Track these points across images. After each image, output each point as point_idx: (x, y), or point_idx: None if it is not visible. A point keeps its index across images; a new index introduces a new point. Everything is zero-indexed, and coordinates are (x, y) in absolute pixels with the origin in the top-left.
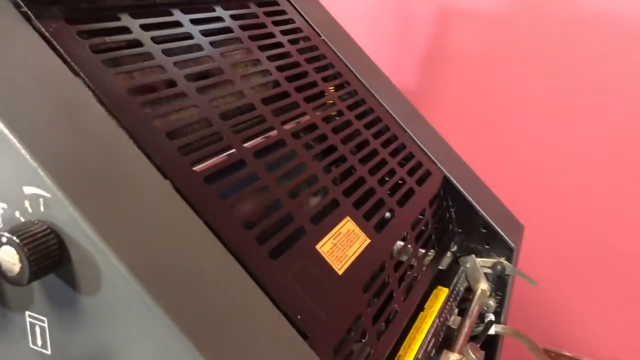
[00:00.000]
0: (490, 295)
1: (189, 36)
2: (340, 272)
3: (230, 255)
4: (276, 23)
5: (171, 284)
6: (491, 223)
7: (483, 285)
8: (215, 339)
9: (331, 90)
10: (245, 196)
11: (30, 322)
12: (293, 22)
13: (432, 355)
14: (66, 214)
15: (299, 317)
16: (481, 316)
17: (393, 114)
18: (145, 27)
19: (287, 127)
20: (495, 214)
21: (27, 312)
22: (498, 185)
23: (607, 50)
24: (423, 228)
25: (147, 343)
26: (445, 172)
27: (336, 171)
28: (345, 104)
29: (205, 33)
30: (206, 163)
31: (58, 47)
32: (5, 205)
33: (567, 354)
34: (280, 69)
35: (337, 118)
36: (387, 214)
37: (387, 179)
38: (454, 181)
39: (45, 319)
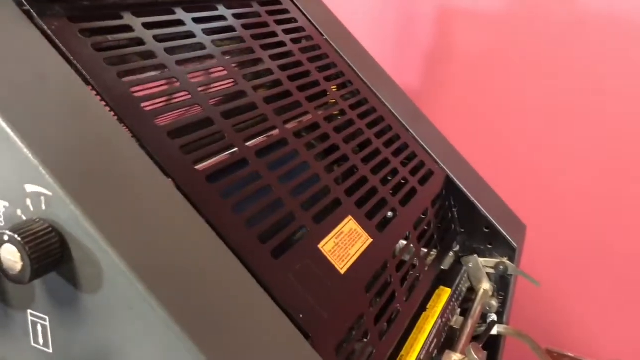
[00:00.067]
0: (493, 296)
1: (191, 35)
2: (342, 272)
3: (232, 254)
4: (278, 22)
5: (172, 283)
6: (494, 223)
7: (485, 286)
8: (217, 338)
9: (333, 90)
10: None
11: (32, 321)
12: (295, 21)
13: (434, 355)
14: (68, 212)
15: (300, 316)
16: (483, 316)
17: (395, 114)
18: (148, 26)
19: (289, 126)
20: (498, 213)
21: (29, 311)
22: (498, 185)
23: (607, 50)
24: (425, 228)
25: (149, 342)
26: (448, 171)
27: (338, 170)
28: (348, 104)
29: (208, 32)
30: (208, 162)
31: (60, 45)
32: (7, 204)
33: (569, 354)
34: (283, 68)
35: (339, 117)
36: (390, 214)
37: (389, 178)
38: (457, 181)
39: (46, 317)
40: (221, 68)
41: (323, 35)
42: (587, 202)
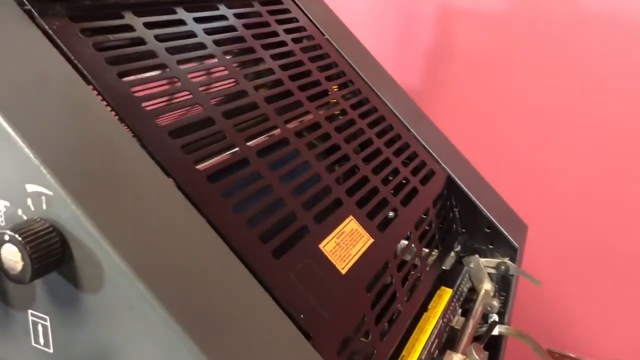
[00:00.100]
0: (494, 296)
1: (192, 34)
2: (343, 272)
3: (233, 254)
4: (280, 22)
5: (173, 283)
6: (495, 223)
7: (487, 286)
8: (218, 338)
9: (334, 89)
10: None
11: (33, 321)
12: (297, 20)
13: (435, 355)
14: (68, 212)
15: (302, 316)
16: (485, 317)
17: (397, 113)
18: (149, 25)
19: (290, 125)
20: (499, 213)
21: (30, 311)
22: (500, 184)
23: (609, 50)
24: (427, 228)
25: (149, 342)
26: (449, 171)
27: (339, 170)
28: (349, 103)
29: (209, 31)
30: (209, 161)
31: (61, 44)
32: (7, 203)
33: (570, 354)
34: (284, 67)
35: (340, 117)
36: (391, 214)
37: (390, 178)
38: (458, 181)
39: (47, 317)
40: (222, 68)
41: (324, 35)
42: (589, 202)
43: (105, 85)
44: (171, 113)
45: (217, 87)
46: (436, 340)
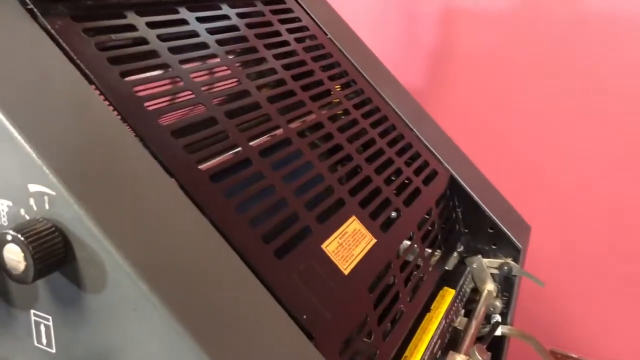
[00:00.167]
0: (497, 296)
1: (195, 34)
2: (346, 272)
3: (235, 254)
4: (282, 21)
5: (176, 283)
6: (498, 223)
7: (489, 286)
8: (220, 338)
9: (337, 89)
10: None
11: (35, 321)
12: (299, 20)
13: (438, 356)
14: (71, 212)
15: (304, 317)
16: (487, 317)
17: (399, 113)
18: (151, 25)
19: (292, 125)
20: (502, 214)
21: (32, 311)
22: (503, 185)
23: (610, 50)
24: (429, 228)
25: (152, 342)
26: (452, 171)
27: (342, 170)
28: (351, 103)
29: (212, 31)
30: (212, 161)
31: (64, 44)
32: (10, 203)
33: (573, 355)
34: (286, 67)
35: (343, 117)
36: (393, 214)
37: (393, 178)
38: (461, 181)
39: (50, 317)
40: (225, 67)
41: (327, 35)
42: (592, 202)
43: (107, 85)
44: (173, 113)
45: (219, 86)
46: (439, 341)
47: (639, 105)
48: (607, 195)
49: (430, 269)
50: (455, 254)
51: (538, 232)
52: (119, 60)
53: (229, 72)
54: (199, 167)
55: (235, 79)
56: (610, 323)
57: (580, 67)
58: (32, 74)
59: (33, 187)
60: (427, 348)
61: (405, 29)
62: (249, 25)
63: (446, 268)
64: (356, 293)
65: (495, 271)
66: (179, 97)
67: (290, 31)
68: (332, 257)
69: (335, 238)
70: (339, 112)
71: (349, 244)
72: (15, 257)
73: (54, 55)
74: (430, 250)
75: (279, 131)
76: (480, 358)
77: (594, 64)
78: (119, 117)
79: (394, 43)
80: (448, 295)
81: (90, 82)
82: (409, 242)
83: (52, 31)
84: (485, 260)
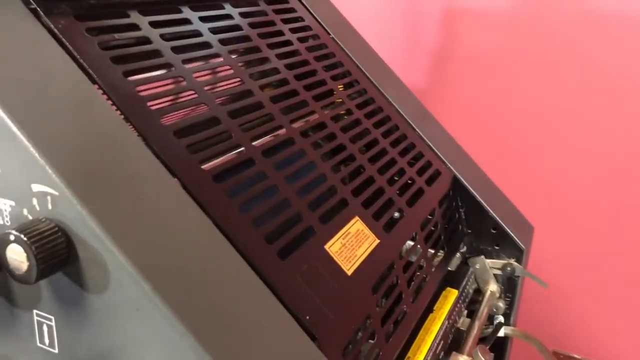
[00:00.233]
0: (500, 297)
1: (197, 33)
2: (349, 273)
3: (238, 255)
4: (285, 21)
5: (179, 283)
6: (501, 224)
7: (492, 287)
8: (223, 339)
9: (340, 89)
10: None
11: (38, 321)
12: (302, 19)
13: (441, 357)
14: (74, 212)
15: (307, 318)
16: (490, 318)
17: (402, 113)
18: (154, 24)
19: (295, 125)
20: (505, 214)
21: (35, 311)
22: (506, 185)
23: (615, 50)
24: (432, 228)
25: (155, 342)
26: (455, 172)
27: (345, 170)
28: (354, 103)
29: (214, 30)
30: (215, 161)
31: (67, 43)
32: (13, 203)
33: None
34: (289, 67)
35: (346, 117)
36: (396, 214)
37: (396, 178)
38: (464, 181)
39: (52, 317)
40: (228, 67)
41: (329, 34)
42: (595, 203)
43: (110, 85)
44: (176, 112)
45: (222, 86)
46: (442, 342)
47: None
48: (611, 195)
49: (433, 270)
50: (458, 254)
51: (541, 233)
52: (122, 60)
53: (231, 71)
54: (202, 167)
55: (238, 79)
56: (613, 324)
57: (583, 67)
58: (35, 74)
59: (36, 187)
60: (429, 349)
61: (408, 28)
62: (252, 25)
63: (449, 269)
64: (359, 294)
65: (498, 272)
66: (182, 97)
67: (293, 31)
68: (335, 258)
69: (339, 238)
70: (342, 112)
71: (352, 245)
72: (18, 257)
73: (57, 55)
74: (433, 251)
75: (282, 131)
76: (483, 359)
77: (596, 64)
78: (122, 116)
79: (397, 43)
80: (451, 296)
81: (93, 81)
82: (412, 243)
83: (55, 30)
84: (488, 260)
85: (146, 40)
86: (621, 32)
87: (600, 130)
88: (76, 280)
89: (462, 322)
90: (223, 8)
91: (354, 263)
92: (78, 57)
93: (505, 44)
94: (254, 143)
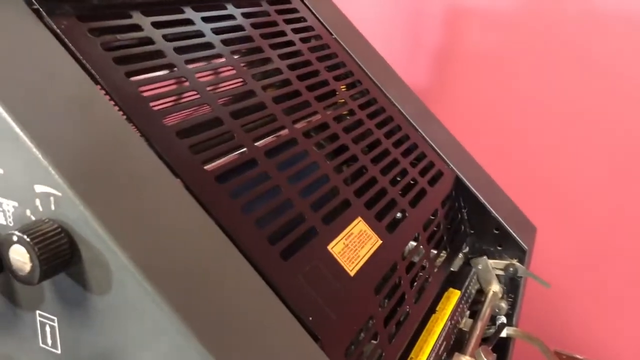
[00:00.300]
0: (502, 298)
1: (200, 34)
2: (352, 274)
3: (241, 255)
4: (288, 21)
5: (181, 284)
6: (504, 224)
7: (495, 287)
8: (226, 340)
9: (342, 89)
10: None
11: (41, 322)
12: (304, 20)
13: (443, 358)
14: (77, 212)
15: (310, 318)
16: (493, 318)
17: (405, 114)
18: (157, 25)
19: (298, 126)
20: (508, 215)
21: (38, 312)
22: (508, 186)
23: (618, 49)
24: (435, 229)
25: (157, 343)
26: (458, 172)
27: (347, 171)
28: (357, 103)
29: (217, 31)
30: (217, 162)
31: (69, 44)
32: (16, 204)
33: (578, 356)
34: (292, 67)
35: (348, 117)
36: (399, 215)
37: (398, 179)
38: (466, 182)
39: (55, 318)
40: (230, 67)
41: (332, 35)
42: (598, 204)
43: (113, 85)
44: (179, 113)
45: (224, 86)
46: (444, 343)
47: None
48: (613, 195)
49: (435, 270)
50: (460, 255)
51: (544, 233)
52: (124, 60)
53: (234, 72)
54: (205, 167)
55: (241, 79)
56: (616, 324)
57: (584, 67)
58: (38, 74)
59: (39, 188)
60: (432, 349)
61: (410, 29)
62: (255, 25)
63: (451, 269)
64: (362, 294)
65: (501, 272)
66: (185, 97)
67: (296, 31)
68: (338, 259)
69: (341, 239)
70: (345, 113)
71: (354, 245)
72: (21, 258)
73: (60, 55)
74: (435, 252)
75: (285, 131)
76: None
77: (598, 65)
78: (125, 117)
79: (399, 43)
80: (453, 296)
81: (96, 82)
82: (414, 243)
83: (58, 31)
84: (490, 261)
85: (149, 41)
86: (621, 32)
87: (601, 131)
88: (79, 281)
89: (465, 322)
90: (225, 8)
91: (357, 264)
92: (81, 57)
93: (507, 44)
94: (256, 144)
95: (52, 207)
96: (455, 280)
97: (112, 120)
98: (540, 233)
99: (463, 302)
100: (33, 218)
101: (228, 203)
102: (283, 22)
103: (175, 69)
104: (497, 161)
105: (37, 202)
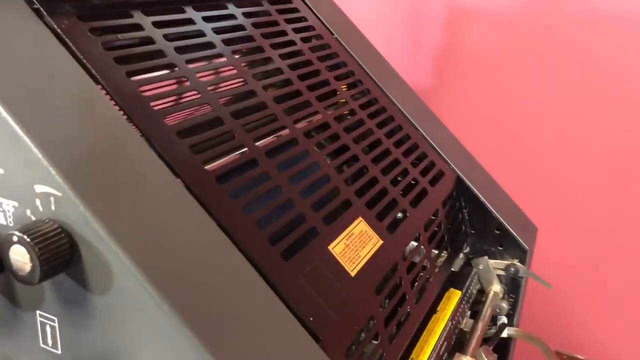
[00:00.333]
0: (503, 298)
1: (201, 33)
2: (352, 274)
3: (242, 255)
4: (288, 21)
5: (182, 285)
6: (504, 224)
7: (496, 288)
8: (226, 340)
9: (343, 89)
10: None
11: (41, 322)
12: (305, 19)
13: (444, 358)
14: (77, 213)
15: (311, 319)
16: (494, 318)
17: (406, 113)
18: (158, 24)
19: (299, 126)
20: (509, 215)
21: (38, 312)
22: (509, 186)
23: (619, 49)
24: (436, 229)
25: (158, 344)
26: (459, 172)
27: (348, 171)
28: (358, 103)
29: (218, 31)
30: (218, 162)
31: (70, 44)
32: (16, 204)
33: (579, 357)
34: (292, 67)
35: (349, 117)
36: (400, 215)
37: (399, 179)
38: (467, 182)
39: (55, 318)
40: (231, 67)
41: (333, 34)
42: (598, 204)
43: (113, 85)
44: (179, 113)
45: (225, 86)
46: (445, 343)
47: None
48: (613, 195)
49: (436, 271)
50: (461, 255)
51: (544, 233)
52: (125, 60)
53: (235, 72)
54: (205, 167)
55: (242, 79)
56: (617, 324)
57: (585, 67)
58: (38, 74)
59: (39, 188)
60: (433, 350)
61: (411, 28)
62: (255, 25)
63: (452, 269)
64: (363, 295)
65: (502, 272)
66: (185, 97)
67: (297, 31)
68: (338, 259)
69: (342, 239)
70: (345, 113)
71: (355, 246)
72: (22, 258)
73: (60, 55)
74: (436, 252)
75: (285, 131)
76: None
77: (598, 65)
78: (125, 117)
79: (399, 43)
80: (454, 296)
81: (97, 81)
82: (415, 243)
83: (59, 30)
84: (491, 261)
85: (149, 41)
86: (621, 32)
87: (601, 131)
88: (79, 281)
89: (466, 323)
90: (226, 8)
91: (358, 264)
92: (81, 57)
93: (507, 44)
94: (257, 143)
95: (53, 207)
96: (456, 280)
97: (113, 120)
98: (540, 233)
99: (464, 302)
100: (33, 218)
101: (229, 203)
102: (284, 22)
103: (176, 68)
104: (497, 161)
105: (38, 202)
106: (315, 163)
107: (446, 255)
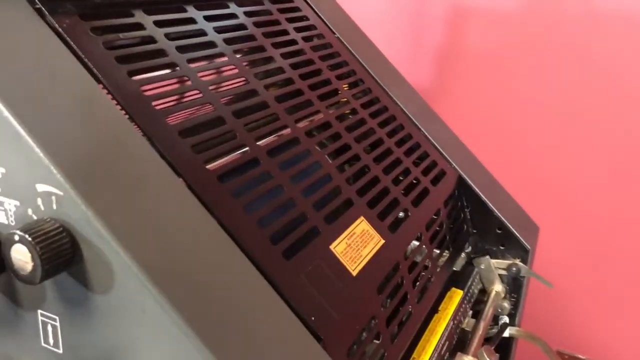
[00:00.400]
0: (505, 297)
1: (202, 33)
2: (354, 273)
3: (243, 255)
4: (290, 20)
5: (183, 284)
6: (506, 224)
7: (497, 287)
8: (228, 340)
9: (345, 88)
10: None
11: (42, 321)
12: (307, 19)
13: (446, 358)
14: (79, 212)
15: (312, 318)
16: (495, 318)
17: (407, 113)
18: (159, 24)
19: (300, 125)
20: (511, 214)
21: (39, 311)
22: (511, 185)
23: (620, 49)
24: (437, 228)
25: (159, 343)
26: (460, 171)
27: (350, 170)
28: (359, 102)
29: (219, 30)
30: (219, 161)
31: (72, 43)
32: (17, 203)
33: (580, 356)
34: (294, 66)
35: (350, 116)
36: (402, 214)
37: (401, 178)
38: (469, 181)
39: (57, 317)
40: (232, 66)
41: (334, 34)
42: (600, 204)
43: (115, 84)
44: (181, 112)
45: (227, 86)
46: (447, 342)
47: None
48: (614, 195)
49: (438, 270)
50: (463, 254)
51: (544, 233)
52: (126, 59)
53: (236, 71)
54: (207, 166)
55: (243, 78)
56: (616, 324)
57: (585, 67)
58: (40, 73)
59: (41, 187)
60: (434, 350)
61: (413, 28)
62: (257, 24)
63: (454, 269)
64: (364, 294)
65: (504, 272)
66: (187, 97)
67: (298, 30)
68: (340, 258)
69: (344, 239)
70: (347, 112)
71: (357, 245)
72: (23, 257)
73: (62, 54)
74: (438, 251)
75: (287, 131)
76: (488, 359)
77: (598, 65)
78: (127, 116)
79: (400, 43)
80: (456, 296)
81: (98, 81)
82: (417, 243)
83: (60, 30)
84: (493, 261)
85: (151, 40)
86: (621, 32)
87: (601, 131)
88: (81, 280)
89: (467, 322)
90: (228, 7)
91: (359, 263)
92: (83, 56)
93: (507, 44)
94: (258, 143)
95: (54, 207)
96: (457, 280)
97: (114, 120)
98: (540, 233)
99: (465, 301)
100: (35, 217)
101: (230, 202)
102: (285, 21)
103: (178, 68)
104: (497, 161)
105: (39, 201)
106: (317, 162)
107: (448, 254)
